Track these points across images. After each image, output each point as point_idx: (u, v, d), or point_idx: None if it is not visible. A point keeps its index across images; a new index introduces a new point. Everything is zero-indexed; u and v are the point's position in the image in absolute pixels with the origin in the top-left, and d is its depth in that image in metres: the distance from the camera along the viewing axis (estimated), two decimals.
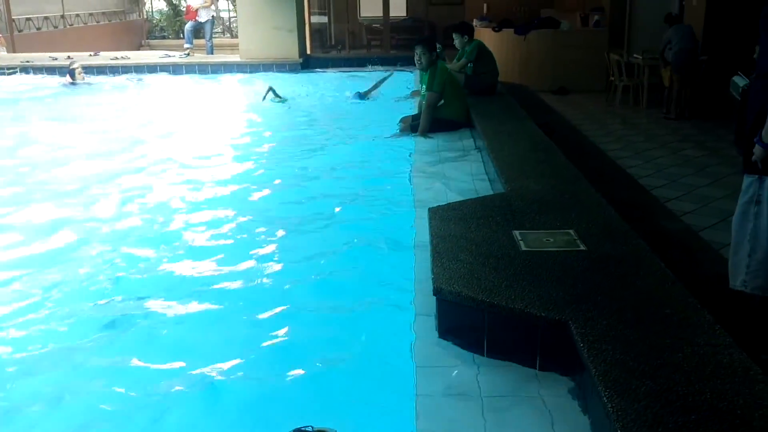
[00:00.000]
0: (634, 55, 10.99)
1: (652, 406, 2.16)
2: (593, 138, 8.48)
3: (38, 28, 18.10)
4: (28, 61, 13.46)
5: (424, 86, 7.39)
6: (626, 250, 3.45)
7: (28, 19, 17.67)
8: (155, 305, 3.83)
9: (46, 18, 18.47)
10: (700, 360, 2.40)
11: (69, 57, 13.73)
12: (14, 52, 15.78)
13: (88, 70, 12.77)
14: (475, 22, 14.19)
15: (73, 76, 12.15)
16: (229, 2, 23.85)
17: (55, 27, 18.86)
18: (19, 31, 17.25)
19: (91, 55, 14.30)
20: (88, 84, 12.24)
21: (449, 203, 4.40)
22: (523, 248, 3.48)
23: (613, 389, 2.25)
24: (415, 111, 7.92)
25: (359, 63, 13.75)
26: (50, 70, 13.12)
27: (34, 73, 13.06)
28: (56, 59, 13.64)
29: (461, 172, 5.78)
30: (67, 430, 2.80)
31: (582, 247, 3.44)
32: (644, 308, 2.81)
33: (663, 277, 3.12)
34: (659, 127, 9.25)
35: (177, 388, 3.04)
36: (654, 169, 6.92)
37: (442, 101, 7.26)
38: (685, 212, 5.56)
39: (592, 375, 2.37)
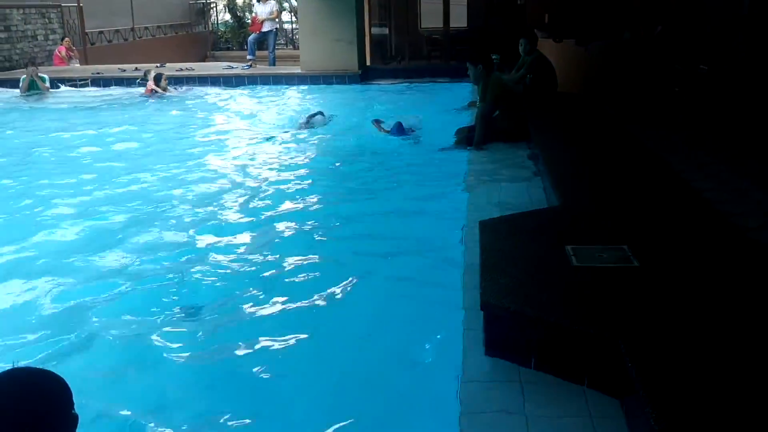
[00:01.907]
0: (701, 66, 10.67)
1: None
2: (657, 150, 8.26)
3: (109, 41, 18.79)
4: (98, 73, 13.97)
5: (479, 97, 7.37)
6: (681, 267, 3.35)
7: (100, 33, 18.37)
8: (208, 309, 3.98)
9: (117, 31, 19.17)
10: (756, 385, 2.32)
11: (136, 68, 14.21)
12: (87, 64, 16.41)
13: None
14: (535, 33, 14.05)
15: (158, 82, 12.37)
16: (292, 14, 24.28)
17: (125, 39, 19.55)
18: (92, 44, 17.94)
19: (158, 66, 14.73)
20: (172, 94, 12.46)
21: (501, 216, 4.36)
22: (575, 263, 3.41)
23: (662, 411, 2.18)
24: (471, 122, 7.89)
25: (418, 74, 13.79)
26: (119, 81, 13.59)
27: (104, 84, 13.53)
28: (125, 71, 14.13)
29: (516, 184, 5.72)
30: None
31: (635, 263, 3.36)
32: (697, 328, 2.73)
33: (718, 296, 3.02)
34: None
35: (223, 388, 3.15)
36: (716, 183, 6.69)
37: (498, 113, 7.21)
38: (750, 228, 5.35)
39: (641, 395, 2.31)
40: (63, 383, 1.59)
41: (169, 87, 12.59)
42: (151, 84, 12.32)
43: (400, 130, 8.28)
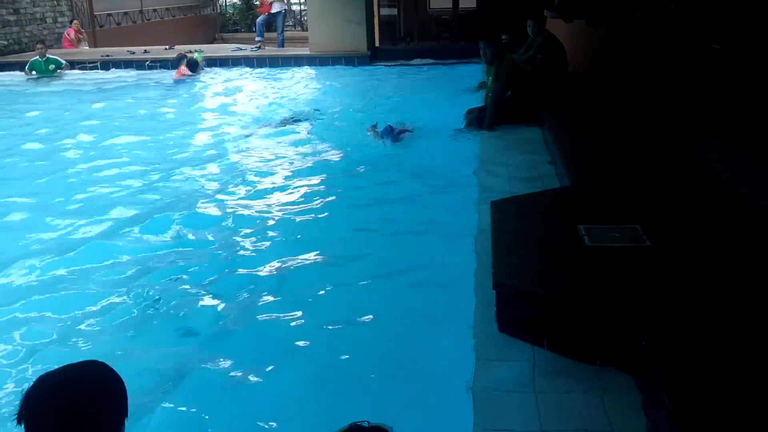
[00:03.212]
0: (714, 45, 10.56)
1: (716, 410, 2.09)
2: (668, 130, 8.20)
3: (118, 24, 18.76)
4: (108, 56, 13.96)
5: (490, 78, 7.32)
6: (693, 247, 3.34)
7: (108, 15, 18.34)
8: (219, 296, 3.98)
9: (125, 13, 19.13)
10: None
11: (145, 51, 14.19)
12: (95, 46, 16.40)
13: (163, 63, 13.14)
14: (546, 14, 13.93)
15: (195, 67, 12.27)
16: None
17: (134, 22, 19.52)
18: (100, 26, 17.91)
19: (166, 48, 14.72)
20: (209, 75, 12.36)
21: (512, 196, 4.36)
22: (588, 243, 3.41)
23: (676, 390, 2.19)
24: (481, 103, 7.85)
25: (427, 55, 13.71)
26: (128, 63, 13.57)
27: (114, 66, 13.51)
28: (134, 53, 14.12)
29: (527, 165, 5.70)
30: None
31: (648, 243, 3.35)
32: (710, 307, 2.72)
33: (731, 275, 3.01)
34: None
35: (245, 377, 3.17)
36: (728, 163, 6.65)
37: (509, 93, 7.18)
38: (762, 208, 5.32)
39: (655, 374, 2.31)
40: (122, 382, 1.57)
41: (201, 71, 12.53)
42: (183, 69, 12.21)
43: (389, 132, 7.22)
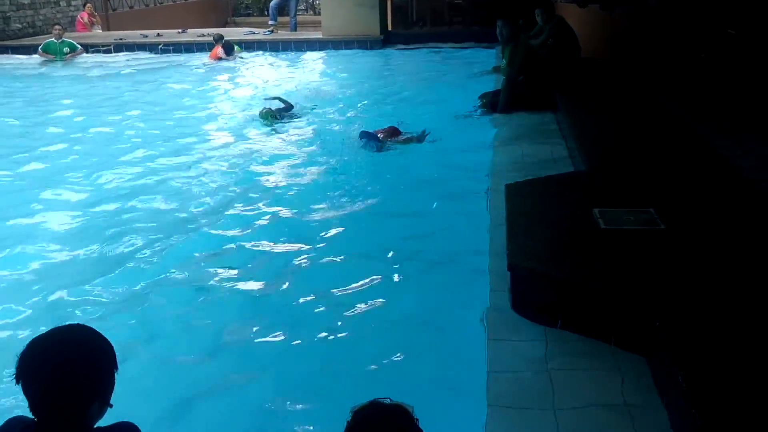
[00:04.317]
0: (729, 30, 10.45)
1: (730, 390, 2.12)
2: (683, 115, 8.16)
3: (131, 7, 18.76)
4: (121, 39, 14.00)
5: (504, 62, 7.31)
6: (706, 230, 3.35)
7: None
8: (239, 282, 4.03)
9: None
10: None
11: (158, 34, 14.21)
12: (108, 30, 16.43)
13: (176, 47, 13.15)
14: None
15: (230, 51, 12.24)
16: None
17: (147, 5, 19.51)
18: (113, 9, 17.93)
19: (179, 32, 14.72)
20: (242, 59, 12.34)
21: (527, 180, 4.37)
22: (603, 226, 3.43)
23: (690, 369, 2.22)
24: (494, 87, 7.84)
25: (440, 39, 13.68)
26: (141, 47, 13.60)
27: (127, 50, 13.53)
28: (147, 36, 14.14)
29: (541, 148, 5.71)
30: None
31: (662, 226, 3.37)
32: (723, 288, 2.75)
33: (743, 258, 3.03)
34: None
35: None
36: (742, 150, 6.62)
37: (522, 78, 7.17)
38: None
39: (669, 354, 2.34)
40: (109, 343, 1.64)
41: (237, 54, 12.49)
42: (218, 50, 12.12)
43: (373, 139, 6.49)
